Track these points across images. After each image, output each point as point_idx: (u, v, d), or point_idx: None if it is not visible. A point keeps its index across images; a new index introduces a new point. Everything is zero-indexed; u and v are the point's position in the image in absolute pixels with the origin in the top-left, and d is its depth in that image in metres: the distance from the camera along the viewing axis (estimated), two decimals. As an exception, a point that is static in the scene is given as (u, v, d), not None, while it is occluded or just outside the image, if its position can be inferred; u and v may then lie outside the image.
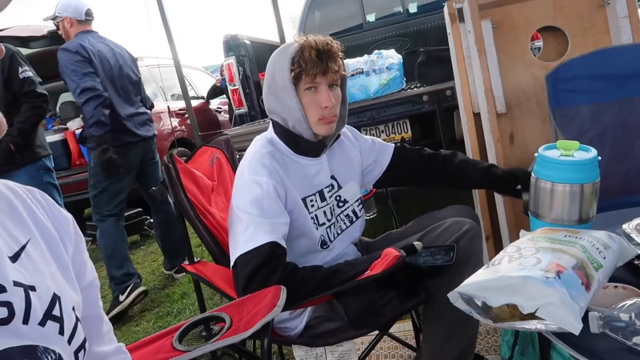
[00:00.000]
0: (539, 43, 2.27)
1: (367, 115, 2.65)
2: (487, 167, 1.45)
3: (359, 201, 1.49)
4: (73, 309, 0.59)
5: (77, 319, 0.60)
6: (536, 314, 0.75)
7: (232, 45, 3.25)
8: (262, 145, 1.32)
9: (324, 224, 1.36)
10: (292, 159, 1.33)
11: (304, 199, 1.32)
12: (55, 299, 0.57)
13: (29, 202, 0.63)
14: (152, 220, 4.65)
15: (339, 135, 1.45)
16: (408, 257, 1.14)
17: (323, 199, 1.37)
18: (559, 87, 1.64)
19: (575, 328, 0.71)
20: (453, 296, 0.85)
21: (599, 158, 1.03)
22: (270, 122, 1.38)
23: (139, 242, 4.50)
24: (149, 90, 5.27)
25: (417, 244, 1.17)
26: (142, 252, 4.18)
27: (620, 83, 1.59)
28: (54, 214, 0.66)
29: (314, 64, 1.22)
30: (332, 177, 1.42)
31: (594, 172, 1.03)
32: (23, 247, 0.58)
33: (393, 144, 1.56)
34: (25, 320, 0.52)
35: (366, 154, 1.54)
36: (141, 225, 4.51)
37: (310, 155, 1.35)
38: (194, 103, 5.13)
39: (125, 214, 4.27)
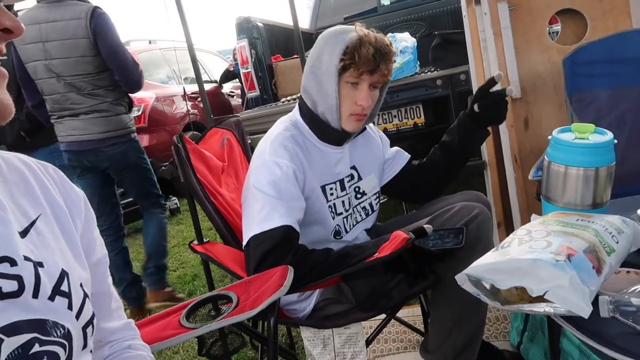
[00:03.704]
0: (557, 27, 2.22)
1: (380, 100, 2.61)
2: (444, 139, 1.46)
3: (377, 195, 1.48)
4: (81, 285, 0.60)
5: (86, 295, 0.60)
6: (545, 297, 0.74)
7: (244, 28, 3.23)
8: (285, 127, 1.31)
9: (341, 213, 1.36)
10: (314, 144, 1.32)
11: (323, 187, 1.31)
12: (63, 274, 0.57)
13: (41, 176, 0.63)
14: (165, 204, 4.71)
15: (364, 128, 1.44)
16: (417, 240, 1.14)
17: (343, 188, 1.36)
18: (577, 71, 1.60)
19: (585, 311, 0.70)
20: (461, 278, 0.84)
21: (615, 142, 1.01)
22: (297, 104, 1.36)
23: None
24: (162, 73, 5.31)
25: (427, 227, 1.16)
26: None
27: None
28: (65, 189, 0.66)
29: (367, 61, 1.19)
30: (353, 168, 1.41)
31: (609, 156, 1.00)
32: (33, 223, 0.58)
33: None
34: (35, 295, 0.52)
35: (386, 147, 1.54)
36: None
37: (333, 143, 1.34)
38: (207, 87, 5.13)
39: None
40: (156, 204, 2.62)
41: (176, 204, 4.77)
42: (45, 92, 2.27)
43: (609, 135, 1.01)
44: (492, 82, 1.34)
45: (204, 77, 5.62)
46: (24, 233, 0.56)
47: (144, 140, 4.53)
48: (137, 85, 2.39)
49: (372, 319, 1.28)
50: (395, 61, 1.30)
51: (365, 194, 1.43)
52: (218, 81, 5.83)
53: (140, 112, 4.51)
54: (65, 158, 2.39)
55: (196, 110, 5.15)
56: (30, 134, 2.70)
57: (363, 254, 1.17)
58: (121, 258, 2.51)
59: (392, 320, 1.82)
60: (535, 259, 0.76)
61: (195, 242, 1.37)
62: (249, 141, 1.81)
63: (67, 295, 0.56)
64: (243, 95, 3.74)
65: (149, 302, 2.60)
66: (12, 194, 0.58)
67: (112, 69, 2.28)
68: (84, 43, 2.19)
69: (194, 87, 5.00)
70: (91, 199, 2.43)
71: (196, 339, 1.02)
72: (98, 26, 2.20)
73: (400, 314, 1.95)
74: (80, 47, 2.20)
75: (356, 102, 1.24)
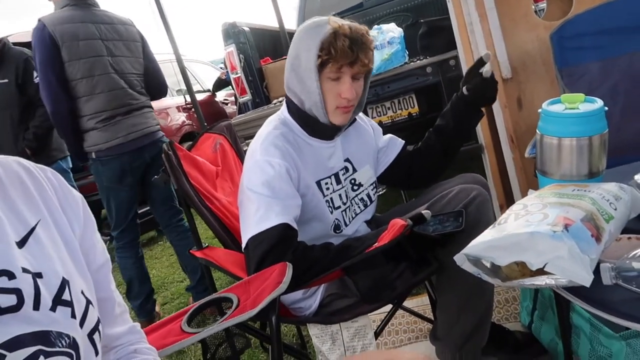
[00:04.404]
0: (543, 4, 2.20)
1: (372, 92, 2.61)
2: (438, 123, 1.45)
3: (374, 185, 1.47)
4: (82, 292, 0.59)
5: (88, 301, 0.59)
6: (545, 269, 0.73)
7: (231, 33, 3.22)
8: (275, 126, 1.30)
9: (339, 207, 1.34)
10: (305, 141, 1.31)
11: (318, 182, 1.30)
12: (64, 283, 0.56)
13: (40, 180, 0.62)
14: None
15: (355, 119, 1.43)
16: (418, 226, 1.12)
17: (338, 181, 1.35)
18: (565, 45, 1.59)
19: (586, 280, 0.68)
20: (460, 258, 0.83)
21: (606, 109, 0.99)
22: (284, 102, 1.35)
23: (156, 238, 4.55)
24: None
25: (426, 212, 1.14)
26: (160, 247, 4.23)
27: (628, 36, 1.53)
28: (64, 193, 0.65)
29: (344, 54, 1.17)
30: (347, 160, 1.40)
31: (601, 123, 0.99)
32: (32, 230, 0.57)
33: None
34: (36, 307, 0.52)
35: (378, 136, 1.52)
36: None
37: (324, 138, 1.33)
38: (200, 97, 5.13)
39: (141, 210, 4.32)
40: (178, 212, 2.61)
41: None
42: (103, 88, 2.23)
43: (599, 103, 1.00)
44: (480, 62, 1.32)
45: (197, 87, 5.63)
46: (22, 242, 0.55)
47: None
48: (165, 89, 2.64)
49: (380, 310, 1.27)
50: (375, 48, 1.28)
51: (362, 185, 1.42)
52: (211, 90, 5.82)
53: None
54: (125, 161, 2.30)
55: (191, 121, 5.15)
56: (36, 153, 2.71)
57: (363, 246, 1.16)
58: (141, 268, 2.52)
59: (402, 311, 1.81)
60: (532, 232, 0.75)
61: (195, 248, 1.36)
62: (246, 147, 1.80)
63: (69, 304, 0.55)
64: (237, 101, 3.75)
65: None
66: (10, 200, 0.57)
67: (152, 72, 2.48)
68: (138, 46, 2.41)
69: (189, 98, 5.00)
70: (130, 207, 2.29)
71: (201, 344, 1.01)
72: (141, 34, 2.47)
73: (409, 303, 1.94)
74: (136, 49, 2.40)
75: (340, 95, 1.23)
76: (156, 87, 2.53)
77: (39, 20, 2.14)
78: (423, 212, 1.15)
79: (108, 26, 2.30)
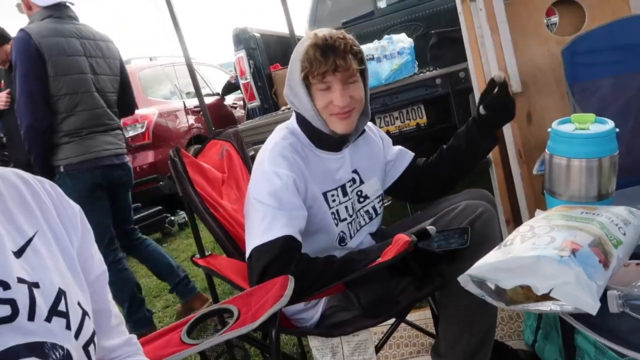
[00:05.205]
0: (556, 19, 2.19)
1: (380, 102, 2.60)
2: (451, 143, 1.43)
3: (380, 198, 1.46)
4: (79, 303, 0.59)
5: (85, 313, 0.59)
6: (551, 295, 0.71)
7: (241, 39, 3.23)
8: (283, 136, 1.29)
9: (345, 219, 1.33)
10: (313, 152, 1.30)
11: (324, 194, 1.29)
12: (60, 294, 0.56)
13: (38, 191, 0.62)
14: (172, 218, 4.73)
15: (364, 130, 1.42)
16: (422, 242, 1.11)
17: (345, 194, 1.34)
18: (577, 61, 1.58)
19: (592, 308, 0.67)
20: (464, 280, 0.82)
21: (617, 130, 0.98)
22: (294, 112, 1.35)
23: (160, 240, 4.55)
24: (165, 89, 5.34)
25: (431, 228, 1.13)
26: (164, 250, 4.22)
27: (642, 53, 1.52)
28: (62, 205, 0.65)
29: (319, 63, 1.17)
30: (354, 172, 1.39)
31: (611, 145, 0.97)
32: (29, 241, 0.57)
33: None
34: (31, 317, 0.51)
35: (388, 147, 1.51)
36: (162, 223, 4.56)
37: (331, 149, 1.32)
38: (209, 100, 5.15)
39: (146, 212, 4.34)
40: (134, 229, 2.60)
41: (184, 218, 4.78)
42: (84, 107, 2.19)
43: (610, 124, 0.99)
44: (493, 83, 1.30)
45: (206, 91, 5.66)
46: (19, 253, 0.55)
47: (149, 157, 4.55)
48: (135, 109, 2.62)
49: (382, 324, 1.26)
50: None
51: (368, 197, 1.41)
52: (220, 93, 5.85)
53: (144, 129, 4.54)
54: (97, 176, 2.24)
55: (200, 124, 5.17)
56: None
57: (367, 259, 1.15)
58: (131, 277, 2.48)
59: (403, 325, 1.79)
60: (538, 255, 0.74)
61: (198, 255, 1.36)
62: (252, 152, 1.80)
63: (65, 315, 0.55)
64: (246, 106, 3.76)
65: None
66: (8, 211, 0.57)
67: (127, 91, 2.46)
68: (117, 64, 2.39)
69: (197, 101, 5.03)
70: (108, 222, 2.22)
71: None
72: (119, 51, 2.45)
73: (411, 317, 1.92)
74: (115, 67, 2.38)
75: (333, 103, 1.22)
76: (130, 106, 2.55)
77: (23, 30, 2.07)
78: (428, 227, 1.14)
79: (92, 42, 2.27)
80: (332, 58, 1.17)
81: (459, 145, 1.40)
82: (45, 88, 2.08)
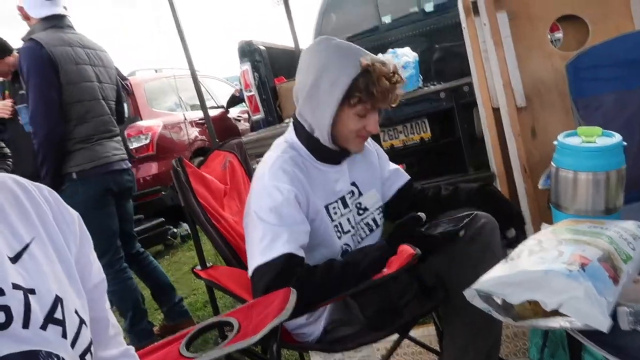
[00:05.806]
0: (559, 34, 2.20)
1: (384, 116, 2.59)
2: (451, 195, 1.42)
3: (380, 209, 1.44)
4: (76, 311, 0.57)
5: (82, 321, 0.58)
6: (560, 311, 0.70)
7: (246, 52, 3.25)
8: (283, 150, 1.29)
9: (348, 231, 1.32)
10: (313, 164, 1.30)
11: (326, 207, 1.29)
12: (57, 301, 0.55)
13: (36, 197, 0.61)
14: (175, 230, 4.71)
15: None
16: (426, 228, 1.13)
17: (345, 205, 1.33)
18: (581, 76, 1.57)
19: (603, 324, 0.65)
20: (470, 294, 0.80)
21: (624, 143, 0.97)
22: (292, 124, 1.34)
23: (162, 252, 4.54)
24: (170, 101, 5.37)
25: (420, 214, 1.16)
26: (166, 262, 4.21)
27: (646, 69, 1.51)
28: (60, 211, 0.64)
29: (384, 98, 1.17)
30: (353, 184, 1.38)
31: (619, 158, 0.96)
32: (26, 247, 0.56)
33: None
34: (26, 325, 0.50)
35: (384, 161, 1.51)
36: (164, 235, 4.55)
37: (332, 162, 1.32)
38: (213, 112, 5.17)
39: (149, 224, 4.33)
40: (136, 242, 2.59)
41: (187, 230, 4.76)
42: (94, 114, 2.24)
43: (617, 138, 0.98)
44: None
45: (211, 103, 5.68)
46: (15, 258, 0.54)
47: (153, 168, 4.56)
48: (124, 115, 2.68)
49: (385, 339, 1.23)
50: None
51: (367, 210, 1.40)
52: (225, 106, 5.88)
53: (148, 141, 4.55)
54: (108, 181, 2.25)
55: (204, 136, 5.18)
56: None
57: (366, 260, 1.15)
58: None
59: (407, 341, 1.76)
60: (546, 269, 0.72)
61: (199, 267, 1.34)
62: (255, 164, 1.79)
63: (61, 322, 0.54)
64: (250, 118, 3.78)
65: None
66: (4, 216, 0.56)
67: (119, 98, 2.49)
68: (114, 73, 2.45)
69: (200, 114, 5.06)
70: (114, 232, 2.23)
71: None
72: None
73: (414, 333, 1.89)
74: (113, 76, 2.43)
75: (365, 129, 1.23)
76: (122, 115, 2.60)
77: (33, 39, 2.08)
78: (418, 214, 1.16)
79: (94, 52, 2.32)
80: (391, 96, 1.18)
81: (457, 202, 1.40)
82: (59, 96, 2.10)
